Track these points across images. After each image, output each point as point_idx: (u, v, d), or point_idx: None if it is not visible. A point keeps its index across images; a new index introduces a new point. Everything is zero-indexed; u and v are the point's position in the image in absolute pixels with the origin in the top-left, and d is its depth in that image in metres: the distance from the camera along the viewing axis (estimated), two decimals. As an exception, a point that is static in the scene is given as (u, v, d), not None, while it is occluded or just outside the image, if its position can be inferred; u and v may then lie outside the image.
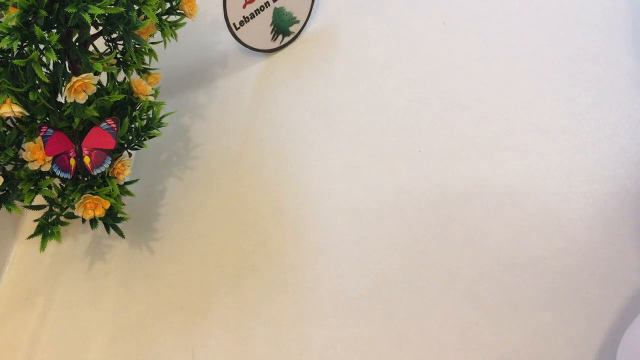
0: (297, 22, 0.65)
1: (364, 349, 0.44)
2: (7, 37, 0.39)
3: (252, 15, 0.61)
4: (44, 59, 0.41)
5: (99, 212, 0.45)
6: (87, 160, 0.46)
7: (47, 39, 0.40)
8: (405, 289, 0.46)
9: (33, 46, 0.41)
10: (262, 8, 0.61)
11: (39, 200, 0.46)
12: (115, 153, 0.48)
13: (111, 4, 0.43)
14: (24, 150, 0.45)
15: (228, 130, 0.60)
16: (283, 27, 0.64)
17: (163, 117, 0.51)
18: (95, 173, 0.46)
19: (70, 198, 0.46)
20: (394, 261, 0.48)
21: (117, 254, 0.53)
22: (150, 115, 0.50)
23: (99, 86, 0.47)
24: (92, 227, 0.47)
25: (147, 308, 0.50)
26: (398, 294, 0.46)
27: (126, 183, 0.49)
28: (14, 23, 0.39)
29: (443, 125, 0.54)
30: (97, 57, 0.46)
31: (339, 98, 0.59)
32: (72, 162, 0.46)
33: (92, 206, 0.45)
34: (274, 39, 0.64)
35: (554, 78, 0.56)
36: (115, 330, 0.49)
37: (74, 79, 0.42)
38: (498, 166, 0.51)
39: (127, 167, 0.48)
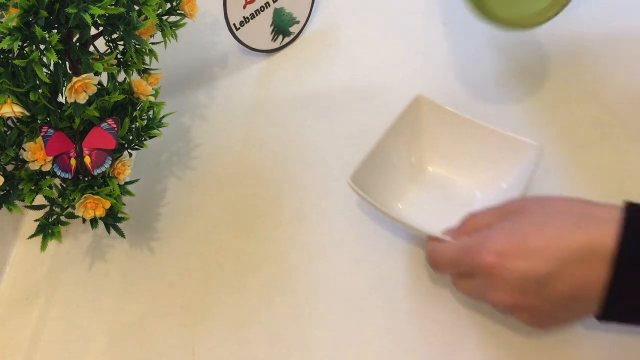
0: (297, 22, 0.65)
1: (364, 349, 0.44)
2: (7, 38, 0.39)
3: (252, 16, 0.61)
4: (44, 59, 0.42)
5: (100, 212, 0.46)
6: (87, 160, 0.46)
7: (47, 39, 0.40)
8: (405, 289, 0.46)
9: (34, 46, 0.41)
10: (262, 8, 0.61)
11: (39, 200, 0.46)
12: (116, 153, 0.48)
13: (111, 5, 0.43)
14: (25, 150, 0.45)
15: (228, 130, 0.60)
16: (283, 28, 0.64)
17: (163, 117, 0.51)
18: (95, 173, 0.46)
19: (70, 198, 0.46)
20: (394, 261, 0.48)
21: (118, 254, 0.53)
22: (151, 115, 0.51)
23: (99, 86, 0.47)
24: (92, 227, 0.47)
25: (147, 308, 0.50)
26: (398, 294, 0.46)
27: (126, 183, 0.49)
28: (14, 23, 0.39)
29: (443, 125, 0.54)
30: (98, 57, 0.46)
31: (339, 98, 0.59)
32: (73, 162, 0.46)
33: (92, 206, 0.45)
34: (274, 39, 0.64)
35: (553, 79, 0.56)
36: (115, 330, 0.49)
37: (75, 79, 0.42)
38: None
39: (128, 167, 0.48)
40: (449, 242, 0.40)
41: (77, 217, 0.46)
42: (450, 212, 0.43)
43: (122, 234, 0.49)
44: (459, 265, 0.39)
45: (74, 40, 0.45)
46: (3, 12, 0.41)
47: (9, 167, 0.46)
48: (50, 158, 0.45)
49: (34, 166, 0.45)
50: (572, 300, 0.35)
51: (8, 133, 0.45)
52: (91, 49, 0.48)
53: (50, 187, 0.46)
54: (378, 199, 0.46)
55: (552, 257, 0.34)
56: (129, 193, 0.49)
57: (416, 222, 0.45)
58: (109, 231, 0.49)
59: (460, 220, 0.42)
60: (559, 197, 0.38)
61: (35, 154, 0.45)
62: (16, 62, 0.40)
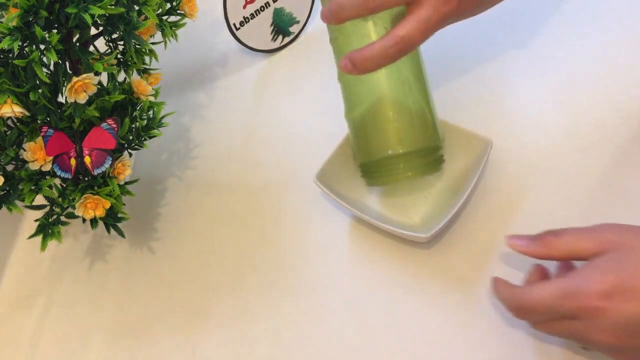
0: (297, 22, 0.65)
1: (364, 349, 0.44)
2: (7, 38, 0.39)
3: (252, 16, 0.61)
4: (44, 59, 0.42)
5: (100, 212, 0.46)
6: (87, 160, 0.46)
7: (47, 39, 0.40)
8: (404, 289, 0.46)
9: (34, 46, 0.41)
10: (262, 8, 0.61)
11: (39, 200, 0.46)
12: (116, 153, 0.48)
13: (112, 5, 0.43)
14: (25, 150, 0.45)
15: (228, 131, 0.60)
16: (283, 28, 0.64)
17: (163, 117, 0.51)
18: (95, 173, 0.46)
19: (70, 198, 0.46)
20: (394, 261, 0.48)
21: (117, 254, 0.53)
22: (151, 115, 0.51)
23: (99, 86, 0.47)
24: (92, 227, 0.47)
25: (147, 308, 0.50)
26: (398, 293, 0.46)
27: (126, 183, 0.49)
28: (14, 23, 0.39)
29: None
30: (98, 57, 0.46)
31: (339, 98, 0.59)
32: (73, 162, 0.46)
33: (92, 206, 0.45)
34: (274, 39, 0.64)
35: (554, 79, 0.56)
36: (115, 330, 0.49)
37: (75, 79, 0.42)
38: (497, 166, 0.51)
39: (128, 167, 0.48)
40: (538, 287, 0.37)
41: (77, 217, 0.46)
42: (416, 203, 0.48)
43: (122, 234, 0.49)
44: (558, 311, 0.36)
45: (74, 40, 0.45)
46: (3, 12, 0.41)
47: (9, 167, 0.46)
48: (50, 158, 0.45)
49: (34, 166, 0.45)
50: None
51: (8, 133, 0.45)
52: (91, 49, 0.48)
53: (50, 187, 0.46)
54: (345, 195, 0.49)
55: None
56: (129, 193, 0.49)
57: (381, 214, 0.49)
58: (109, 231, 0.49)
59: (539, 237, 0.39)
60: None
61: (35, 154, 0.45)
62: (16, 62, 0.40)
